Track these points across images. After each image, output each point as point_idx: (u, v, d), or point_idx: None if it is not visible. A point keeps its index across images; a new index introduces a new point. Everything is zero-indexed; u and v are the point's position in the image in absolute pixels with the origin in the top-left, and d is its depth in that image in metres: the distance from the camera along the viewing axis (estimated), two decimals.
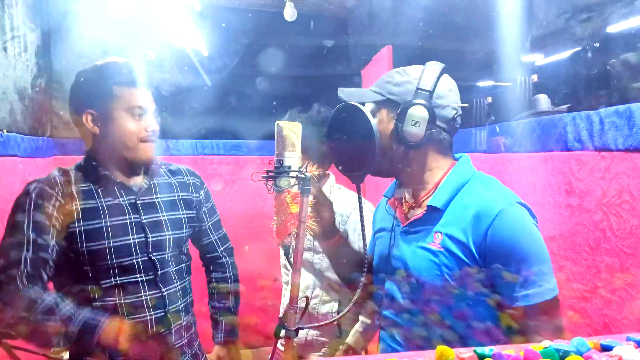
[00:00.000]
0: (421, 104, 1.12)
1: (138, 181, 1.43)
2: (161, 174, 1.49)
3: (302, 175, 1.16)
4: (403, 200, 1.25)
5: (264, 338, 2.22)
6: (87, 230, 1.30)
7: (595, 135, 1.39)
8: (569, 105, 1.67)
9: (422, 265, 1.12)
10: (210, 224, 1.61)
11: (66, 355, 2.51)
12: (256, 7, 3.31)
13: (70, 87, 1.41)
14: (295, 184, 1.16)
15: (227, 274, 1.66)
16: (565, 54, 1.75)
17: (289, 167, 1.15)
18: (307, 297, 1.20)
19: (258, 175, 1.16)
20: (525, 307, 1.03)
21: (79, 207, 1.31)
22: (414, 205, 1.21)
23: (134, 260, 1.35)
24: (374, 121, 1.11)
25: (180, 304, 1.44)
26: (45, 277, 1.24)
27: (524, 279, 1.03)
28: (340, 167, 1.21)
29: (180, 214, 1.48)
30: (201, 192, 1.58)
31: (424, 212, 1.16)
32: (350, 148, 1.17)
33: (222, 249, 1.66)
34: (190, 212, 1.52)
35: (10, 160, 2.05)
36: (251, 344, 2.81)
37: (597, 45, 1.57)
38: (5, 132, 1.98)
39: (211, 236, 1.62)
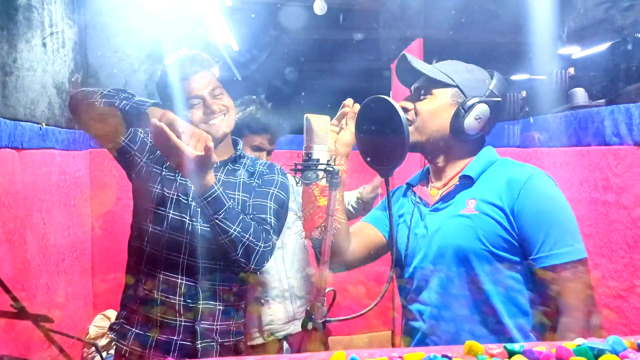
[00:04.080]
0: (488, 104, 1.20)
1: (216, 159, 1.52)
2: (237, 160, 1.59)
3: (331, 169, 1.16)
4: (430, 186, 1.29)
5: None
6: (158, 195, 1.48)
7: (635, 129, 1.34)
8: (607, 99, 1.61)
9: (458, 231, 1.16)
10: (253, 202, 1.55)
11: (102, 341, 2.59)
12: (286, 1, 3.32)
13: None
14: (323, 177, 1.16)
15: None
16: (603, 46, 1.69)
17: (317, 160, 1.15)
18: (334, 290, 1.20)
19: (287, 169, 1.17)
20: (557, 265, 1.07)
21: (164, 173, 1.51)
22: (441, 187, 1.26)
23: (185, 225, 1.48)
24: (404, 116, 1.10)
25: (218, 285, 1.49)
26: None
27: (555, 238, 1.08)
28: (368, 159, 1.20)
29: (234, 194, 1.52)
30: (264, 177, 1.60)
31: (457, 184, 1.22)
32: (380, 141, 1.17)
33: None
34: (246, 195, 1.55)
35: (49, 153, 2.12)
36: None
37: (638, 35, 1.51)
38: (44, 125, 2.05)
39: (248, 215, 1.54)
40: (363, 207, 2.22)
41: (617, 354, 0.62)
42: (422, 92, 1.24)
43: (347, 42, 3.50)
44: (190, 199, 1.49)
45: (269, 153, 2.02)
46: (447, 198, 1.23)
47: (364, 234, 1.36)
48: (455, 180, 1.23)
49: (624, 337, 0.66)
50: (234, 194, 1.52)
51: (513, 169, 1.19)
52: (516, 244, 1.12)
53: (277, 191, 1.56)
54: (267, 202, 1.52)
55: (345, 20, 3.47)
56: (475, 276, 1.13)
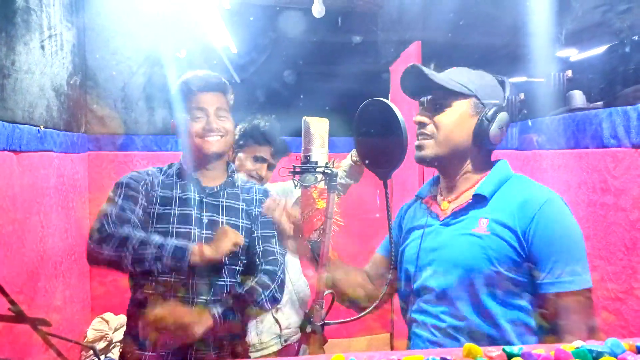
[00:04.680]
0: (506, 111, 1.20)
1: (210, 184, 1.59)
2: (234, 185, 1.64)
3: (329, 171, 1.16)
4: (441, 198, 1.27)
5: None
6: (159, 214, 1.51)
7: (633, 131, 1.34)
8: (604, 101, 1.62)
9: (467, 250, 1.15)
10: (260, 234, 1.61)
11: (99, 345, 2.57)
12: (284, 4, 3.32)
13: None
14: (322, 180, 1.17)
15: (265, 268, 1.60)
16: (601, 49, 1.69)
17: (316, 162, 1.15)
18: (332, 293, 1.20)
19: (285, 171, 1.17)
20: (561, 293, 1.06)
21: (158, 193, 1.54)
22: (453, 200, 1.24)
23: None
24: (402, 118, 1.10)
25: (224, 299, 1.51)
26: (134, 221, 1.45)
27: (563, 266, 1.07)
28: (366, 162, 1.20)
29: (238, 222, 1.58)
30: (262, 206, 1.59)
31: (469, 201, 1.20)
32: (379, 144, 1.17)
33: (263, 260, 1.61)
34: (249, 223, 1.61)
35: (47, 155, 2.11)
36: None
37: (636, 38, 1.52)
38: (43, 128, 2.05)
39: (257, 248, 1.60)
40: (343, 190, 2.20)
41: (615, 356, 0.62)
42: (439, 104, 1.21)
43: (346, 45, 3.51)
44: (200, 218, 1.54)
45: (270, 167, 2.03)
46: (458, 214, 1.21)
47: (379, 267, 1.38)
48: (468, 196, 1.21)
49: (622, 340, 0.66)
50: (239, 222, 1.58)
51: (529, 190, 1.16)
52: (525, 266, 1.11)
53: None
54: (273, 232, 1.62)
55: (344, 23, 3.47)
56: (483, 296, 1.12)
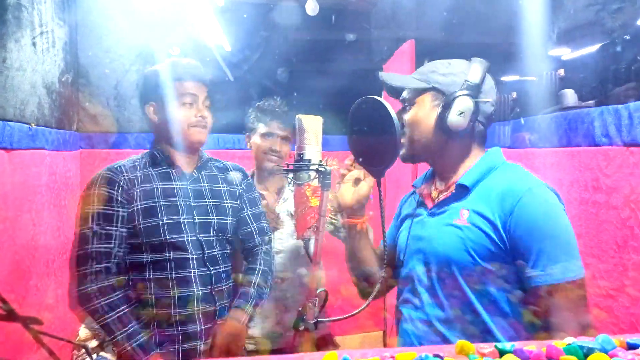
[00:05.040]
0: (468, 95, 1.15)
1: (190, 170, 1.60)
2: (210, 167, 1.66)
3: (322, 169, 1.16)
4: (433, 188, 1.28)
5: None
6: (144, 209, 1.48)
7: (624, 130, 1.35)
8: (596, 100, 1.63)
9: (448, 241, 1.15)
10: (249, 212, 1.69)
11: (92, 343, 2.56)
12: (278, 1, 3.31)
13: (137, 84, 1.63)
14: (315, 178, 1.17)
15: (259, 267, 1.69)
16: (593, 48, 1.70)
17: (309, 160, 1.16)
18: (325, 291, 1.20)
19: (279, 169, 1.17)
20: (546, 286, 1.03)
21: (139, 189, 1.50)
22: (442, 190, 1.25)
23: (184, 238, 1.49)
24: (395, 116, 1.10)
25: (224, 285, 1.57)
26: (112, 267, 1.43)
27: (547, 256, 1.04)
28: (360, 160, 1.20)
29: (224, 202, 1.61)
30: (243, 184, 1.71)
31: (452, 192, 1.20)
32: (372, 142, 1.17)
33: (259, 239, 1.72)
34: (235, 202, 1.65)
35: (39, 153, 2.10)
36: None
37: (627, 37, 1.53)
38: (34, 126, 2.03)
39: (250, 225, 1.69)
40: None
41: (606, 352, 0.62)
42: (407, 103, 1.24)
43: (339, 42, 3.50)
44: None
45: (287, 139, 2.03)
46: (442, 204, 1.21)
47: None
48: (453, 188, 1.21)
49: (613, 336, 0.67)
50: (225, 203, 1.62)
51: (511, 180, 1.14)
52: (508, 258, 1.09)
53: (258, 194, 1.76)
54: (261, 209, 1.71)
55: (338, 20, 3.47)
56: (464, 287, 1.12)
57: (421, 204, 1.28)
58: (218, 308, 1.54)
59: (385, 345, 1.83)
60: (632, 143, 1.32)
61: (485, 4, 2.38)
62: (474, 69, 1.18)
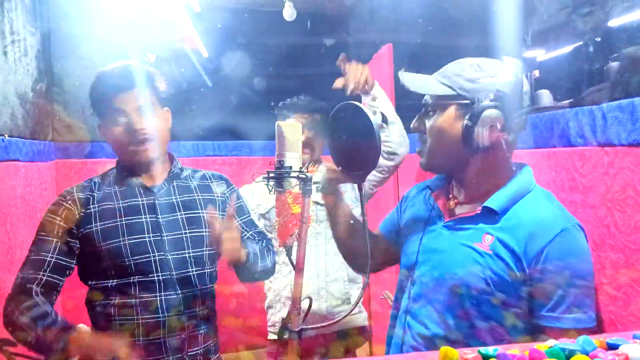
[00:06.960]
0: (498, 108, 1.05)
1: (158, 183, 1.45)
2: (183, 177, 1.51)
3: (303, 176, 1.15)
4: (450, 195, 1.22)
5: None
6: (103, 230, 1.36)
7: (598, 130, 1.37)
8: (571, 100, 1.66)
9: (466, 263, 1.09)
10: (240, 222, 1.53)
11: None
12: (255, 7, 3.30)
13: None
14: (296, 185, 1.16)
15: (264, 245, 1.57)
16: (566, 49, 1.74)
17: (290, 167, 1.15)
18: (309, 298, 1.20)
19: (259, 177, 1.16)
20: (556, 328, 1.02)
21: (97, 209, 1.39)
22: (462, 202, 1.18)
23: (151, 259, 1.36)
24: (375, 120, 1.10)
25: (199, 311, 1.41)
26: (37, 291, 1.34)
27: (566, 305, 1.03)
28: (340, 167, 1.20)
29: (199, 213, 1.45)
30: (226, 193, 1.55)
31: (477, 212, 1.11)
32: (352, 148, 1.17)
33: (259, 239, 1.58)
34: (213, 212, 1.44)
35: (12, 165, 2.05)
36: (254, 345, 2.82)
37: (598, 39, 1.56)
38: (7, 137, 1.98)
39: (246, 232, 1.54)
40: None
41: (587, 353, 0.63)
42: (430, 108, 1.15)
43: (317, 47, 3.51)
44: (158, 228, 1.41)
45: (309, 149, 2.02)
46: (464, 221, 1.13)
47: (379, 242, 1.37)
48: (477, 206, 1.12)
49: (593, 336, 0.68)
50: (199, 212, 1.45)
51: (543, 215, 1.06)
52: (523, 293, 1.05)
53: (245, 201, 1.62)
54: (250, 217, 1.58)
55: (315, 26, 3.47)
56: (472, 313, 1.08)
57: (436, 211, 1.21)
58: (187, 336, 1.37)
59: (371, 353, 1.83)
60: (606, 143, 1.34)
61: (460, 8, 2.41)
62: (505, 73, 1.07)
